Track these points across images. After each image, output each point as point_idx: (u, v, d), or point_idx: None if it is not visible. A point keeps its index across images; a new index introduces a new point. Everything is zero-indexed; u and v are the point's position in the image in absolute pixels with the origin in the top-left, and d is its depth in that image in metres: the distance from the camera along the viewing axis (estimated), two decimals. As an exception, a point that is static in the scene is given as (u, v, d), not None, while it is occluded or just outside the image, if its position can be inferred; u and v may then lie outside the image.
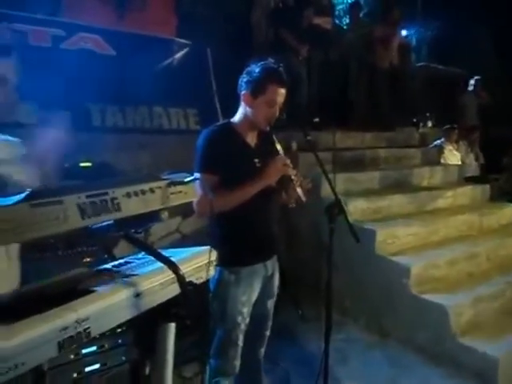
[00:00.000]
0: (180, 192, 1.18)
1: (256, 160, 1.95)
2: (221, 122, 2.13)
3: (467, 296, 3.14)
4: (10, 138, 1.62)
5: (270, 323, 2.18)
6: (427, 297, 3.08)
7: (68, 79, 3.29)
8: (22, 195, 0.80)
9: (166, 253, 1.46)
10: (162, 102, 3.84)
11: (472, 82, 6.95)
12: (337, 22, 5.61)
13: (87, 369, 1.77)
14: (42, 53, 3.36)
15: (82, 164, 3.22)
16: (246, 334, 2.09)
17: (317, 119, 4.47)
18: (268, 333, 2.19)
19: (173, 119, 3.92)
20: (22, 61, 3.26)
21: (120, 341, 1.86)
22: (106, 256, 1.81)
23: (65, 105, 3.38)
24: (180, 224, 3.49)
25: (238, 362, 2.00)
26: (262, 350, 2.20)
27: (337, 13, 6.35)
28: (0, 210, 0.75)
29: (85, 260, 1.69)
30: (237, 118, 2.02)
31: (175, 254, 1.52)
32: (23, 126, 3.20)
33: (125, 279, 1.26)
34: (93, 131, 3.49)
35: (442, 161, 5.66)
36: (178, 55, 4.11)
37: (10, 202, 0.78)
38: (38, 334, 0.93)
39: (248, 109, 1.96)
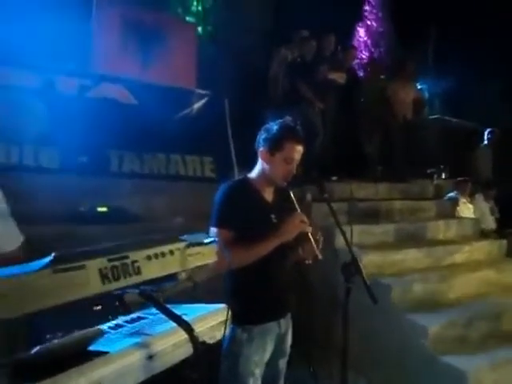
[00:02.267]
0: (198, 253, 1.18)
1: (272, 216, 1.95)
2: (238, 177, 2.15)
3: (487, 359, 2.99)
4: None
5: (281, 383, 2.10)
6: (445, 358, 2.94)
7: (90, 126, 3.41)
8: (47, 260, 0.81)
9: (179, 309, 1.44)
10: (180, 149, 3.93)
11: (486, 135, 6.99)
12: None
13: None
14: (68, 100, 3.50)
15: (99, 208, 3.27)
16: None
17: (335, 178, 4.50)
18: None
19: (189, 166, 3.99)
20: (48, 108, 3.41)
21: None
22: (116, 303, 1.78)
23: (85, 150, 3.49)
24: (192, 272, 3.46)
25: None
26: None
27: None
28: (24, 277, 0.75)
29: (95, 308, 1.67)
30: (254, 173, 2.05)
31: (189, 312, 1.50)
32: (44, 171, 3.30)
33: (137, 339, 1.24)
34: (110, 176, 3.56)
35: (457, 214, 5.59)
36: (197, 105, 4.24)
37: (34, 269, 0.78)
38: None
39: (265, 165, 1.99)
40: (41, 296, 0.75)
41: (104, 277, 0.88)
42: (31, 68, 3.46)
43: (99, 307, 1.69)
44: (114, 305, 1.75)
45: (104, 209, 3.31)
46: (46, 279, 0.77)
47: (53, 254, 0.81)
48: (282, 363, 2.07)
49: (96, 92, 3.63)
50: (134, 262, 0.96)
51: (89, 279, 0.84)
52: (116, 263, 0.91)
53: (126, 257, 0.95)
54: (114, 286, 0.93)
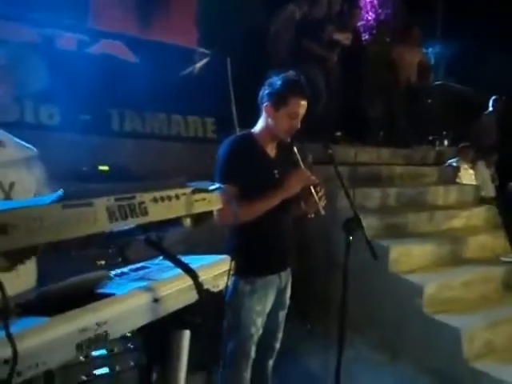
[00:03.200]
0: (204, 199, 1.18)
1: (275, 171, 1.96)
2: (241, 132, 2.14)
3: (481, 319, 3.08)
4: (17, 140, 1.62)
5: (280, 335, 2.17)
6: (440, 318, 3.03)
7: (90, 84, 3.36)
8: (55, 196, 0.81)
9: (184, 259, 1.46)
10: (181, 109, 3.88)
11: (491, 102, 6.90)
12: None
13: (96, 372, 1.77)
14: (67, 57, 3.42)
15: (100, 167, 3.26)
16: (257, 345, 2.08)
17: (339, 133, 4.47)
18: (278, 345, 2.17)
19: (190, 127, 3.96)
20: (48, 64, 3.35)
21: (130, 345, 1.87)
22: (119, 259, 1.82)
23: (86, 108, 3.44)
24: (193, 230, 3.49)
25: (248, 374, 1.99)
26: (271, 362, 2.18)
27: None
28: (34, 209, 0.76)
29: (98, 262, 1.70)
30: (257, 128, 2.03)
31: (193, 261, 1.52)
32: (44, 128, 3.27)
33: (143, 283, 1.26)
34: (112, 135, 3.54)
35: (458, 180, 5.60)
36: (198, 64, 4.16)
37: (44, 203, 0.79)
38: (59, 333, 0.93)
39: (270, 120, 1.97)
40: (50, 229, 0.76)
41: (111, 215, 0.89)
42: (31, 22, 3.37)
43: (102, 262, 1.73)
44: (116, 259, 1.78)
45: (105, 167, 3.30)
46: (55, 213, 0.78)
47: (61, 190, 0.81)
48: (282, 315, 2.13)
49: (95, 48, 3.55)
50: (140, 203, 0.97)
51: (96, 216, 0.85)
52: (123, 203, 0.92)
53: (133, 197, 0.95)
54: (120, 224, 0.94)
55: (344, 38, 4.89)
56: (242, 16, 5.01)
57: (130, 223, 0.97)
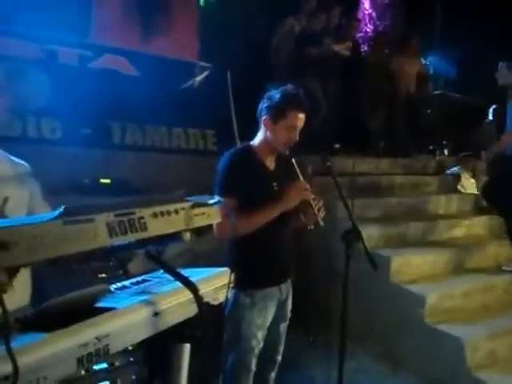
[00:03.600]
0: (203, 214, 1.20)
1: (274, 184, 1.97)
2: (241, 145, 2.17)
3: (484, 329, 3.06)
4: (10, 156, 1.66)
5: (281, 348, 2.16)
6: (442, 328, 3.02)
7: (92, 97, 3.40)
8: (56, 212, 0.83)
9: (184, 272, 1.48)
10: (182, 122, 3.92)
11: (491, 111, 6.93)
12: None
13: (97, 386, 1.77)
14: (70, 72, 3.47)
15: (102, 180, 3.29)
16: (258, 359, 2.07)
17: (337, 145, 4.50)
18: (279, 358, 2.17)
19: (191, 139, 3.99)
20: (50, 79, 3.39)
21: (131, 359, 1.87)
22: (120, 272, 1.83)
23: (87, 122, 3.49)
24: (193, 243, 3.50)
25: None
26: (273, 375, 2.18)
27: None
28: (35, 227, 0.78)
29: (100, 276, 1.71)
30: (256, 141, 2.05)
31: (193, 274, 1.54)
32: (46, 142, 3.31)
33: (144, 297, 1.28)
34: (113, 148, 3.58)
35: (460, 188, 5.60)
36: (199, 78, 4.21)
37: (45, 219, 0.80)
38: (59, 348, 0.94)
39: (268, 133, 1.99)
40: (51, 245, 0.78)
41: (111, 230, 0.90)
42: (33, 39, 3.43)
43: (104, 275, 1.74)
44: (117, 272, 1.79)
45: (107, 181, 3.33)
46: (56, 230, 0.79)
47: (63, 207, 0.83)
48: (283, 327, 2.13)
49: (97, 63, 3.61)
50: (140, 218, 0.99)
51: (97, 232, 0.87)
52: (123, 218, 0.94)
53: (133, 213, 0.97)
54: (120, 239, 0.95)
55: (342, 48, 4.95)
56: (243, 29, 5.09)
57: (130, 238, 0.98)
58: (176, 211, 1.09)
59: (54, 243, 0.78)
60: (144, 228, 1.00)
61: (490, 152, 4.31)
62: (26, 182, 1.65)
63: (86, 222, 0.84)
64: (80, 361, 1.03)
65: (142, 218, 0.99)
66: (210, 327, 1.50)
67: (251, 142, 2.07)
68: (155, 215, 1.02)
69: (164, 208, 1.06)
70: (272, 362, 2.15)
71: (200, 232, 1.49)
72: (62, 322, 1.04)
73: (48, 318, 1.05)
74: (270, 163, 2.06)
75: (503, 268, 3.93)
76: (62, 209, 0.82)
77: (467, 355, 2.83)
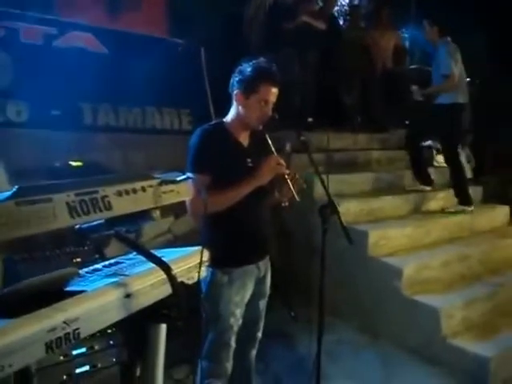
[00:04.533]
0: (172, 191, 1.16)
1: (248, 160, 1.94)
2: (214, 121, 2.12)
3: (459, 297, 3.15)
4: None
5: (261, 324, 2.17)
6: (419, 298, 3.09)
7: (60, 78, 3.27)
8: (9, 193, 0.78)
9: (157, 253, 1.45)
10: (155, 101, 3.81)
11: (464, 85, 6.98)
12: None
13: (77, 370, 1.75)
14: (34, 51, 3.31)
15: (73, 163, 3.19)
16: (238, 336, 2.08)
17: (310, 119, 4.48)
18: (260, 334, 2.18)
19: (165, 119, 3.90)
20: (13, 58, 3.24)
21: (110, 342, 1.85)
22: (96, 256, 1.78)
23: (55, 103, 3.35)
24: (172, 224, 3.47)
25: (229, 364, 1.99)
26: (254, 352, 2.19)
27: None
28: (-14, 208, 0.73)
29: (75, 260, 1.67)
30: (229, 117, 2.01)
31: (167, 254, 1.51)
32: (13, 125, 3.18)
33: (115, 279, 1.24)
34: (84, 130, 3.46)
35: (435, 163, 5.68)
36: (171, 54, 4.08)
37: (-4, 200, 0.76)
38: (25, 334, 0.91)
39: (240, 108, 1.95)
40: (3, 227, 0.74)
41: (72, 210, 0.86)
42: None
43: (79, 259, 1.69)
44: (93, 256, 1.74)
45: (79, 163, 3.22)
46: (9, 211, 0.75)
47: (16, 187, 0.78)
48: (262, 304, 2.14)
49: (63, 41, 3.45)
50: (103, 197, 0.95)
51: (55, 212, 0.83)
52: (84, 197, 0.90)
53: (95, 191, 0.93)
54: (83, 219, 0.91)
55: (319, 23, 4.86)
56: (216, 3, 4.93)
57: (94, 218, 0.94)
58: (143, 189, 1.06)
59: (7, 225, 0.74)
60: (109, 207, 0.96)
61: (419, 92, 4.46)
62: None
63: (43, 201, 0.79)
64: (49, 346, 1.00)
65: (106, 196, 0.96)
66: (190, 307, 1.49)
67: (224, 119, 2.03)
68: (120, 193, 0.98)
69: (130, 186, 1.02)
70: (253, 339, 2.16)
71: (178, 214, 1.46)
72: (28, 306, 1.01)
73: (13, 303, 1.01)
74: (244, 139, 2.02)
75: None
76: (14, 189, 0.78)
77: (442, 323, 2.92)
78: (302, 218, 3.32)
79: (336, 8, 6.16)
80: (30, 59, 3.26)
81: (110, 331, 1.78)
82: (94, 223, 1.11)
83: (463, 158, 6.31)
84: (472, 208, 4.17)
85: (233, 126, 1.99)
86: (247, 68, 1.92)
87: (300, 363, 2.83)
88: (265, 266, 2.09)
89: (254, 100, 1.91)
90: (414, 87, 4.47)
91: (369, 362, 2.98)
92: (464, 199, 4.15)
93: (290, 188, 1.83)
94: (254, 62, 1.93)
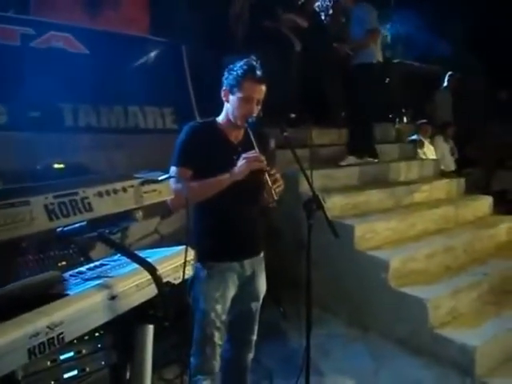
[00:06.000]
0: (154, 191, 1.15)
1: (235, 157, 1.94)
2: (206, 119, 2.13)
3: (445, 288, 3.19)
4: None
5: (256, 327, 2.16)
6: (406, 290, 3.12)
7: (39, 79, 3.21)
8: (-16, 196, 0.76)
9: (142, 253, 1.43)
10: (138, 101, 3.77)
11: (446, 78, 7.09)
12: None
13: (65, 375, 1.73)
14: (11, 52, 3.25)
15: (56, 165, 3.14)
16: (232, 338, 2.09)
17: (293, 115, 4.48)
18: (254, 337, 2.17)
19: (149, 118, 3.86)
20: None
21: (99, 345, 1.83)
22: (81, 259, 1.76)
23: (35, 105, 3.29)
24: (158, 225, 3.44)
25: (216, 362, 1.98)
26: (250, 355, 2.19)
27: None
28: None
29: (60, 264, 1.65)
30: (221, 115, 2.05)
31: (152, 255, 1.50)
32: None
33: (99, 281, 1.23)
34: (65, 131, 3.41)
35: (422, 155, 5.75)
36: (153, 53, 4.04)
37: (-29, 204, 0.74)
38: (6, 340, 0.89)
39: (228, 105, 1.97)
40: (-19, 232, 0.72)
41: (51, 213, 0.85)
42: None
43: (64, 262, 1.67)
44: (78, 260, 1.72)
45: (61, 165, 3.17)
46: (-15, 215, 0.73)
47: (-9, 190, 0.77)
48: (254, 306, 2.13)
49: (41, 41, 3.38)
50: (83, 198, 0.93)
51: (33, 216, 0.81)
52: (63, 199, 0.88)
53: (75, 193, 0.91)
54: (62, 222, 0.90)
55: (300, 20, 4.86)
56: (199, 1, 4.90)
57: (74, 220, 0.93)
58: (124, 189, 1.04)
59: (-17, 229, 0.72)
60: (89, 208, 0.94)
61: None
62: None
63: (19, 205, 0.78)
64: (32, 352, 0.98)
65: (86, 198, 0.94)
66: (177, 306, 1.48)
67: (218, 117, 2.05)
68: (100, 194, 0.97)
69: (110, 187, 1.01)
70: (247, 342, 2.16)
71: (164, 214, 1.44)
72: (11, 312, 0.99)
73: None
74: (236, 137, 2.04)
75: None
76: (-10, 192, 0.76)
77: (430, 314, 2.95)
78: (289, 214, 3.32)
79: (317, 3, 6.16)
80: (8, 61, 3.20)
81: (97, 334, 1.77)
82: (76, 225, 1.09)
83: (446, 151, 6.42)
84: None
85: (223, 124, 2.02)
86: (234, 66, 1.96)
87: (290, 358, 2.84)
88: (252, 265, 2.08)
89: (238, 97, 1.92)
90: None
91: (358, 354, 3.01)
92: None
93: (269, 187, 1.83)
94: (243, 60, 1.95)
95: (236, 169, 1.86)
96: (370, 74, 4.37)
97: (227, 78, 1.96)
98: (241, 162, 1.86)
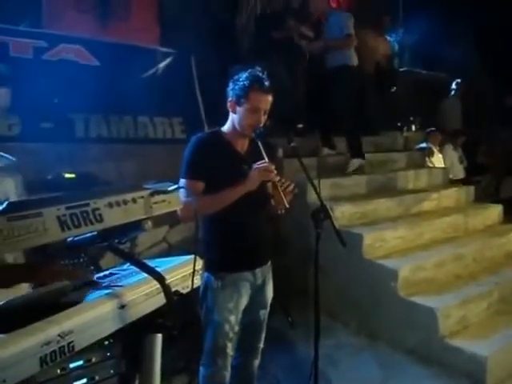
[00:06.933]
0: (163, 201, 1.17)
1: (245, 167, 1.95)
2: (211, 129, 2.15)
3: (455, 297, 3.16)
4: None
5: (263, 335, 2.16)
6: (415, 299, 3.10)
7: (51, 90, 3.28)
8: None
9: (151, 263, 1.45)
10: (147, 111, 3.83)
11: (454, 85, 7.07)
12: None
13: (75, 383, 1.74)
14: (24, 64, 3.33)
15: (66, 175, 3.19)
16: (240, 346, 2.09)
17: (300, 125, 4.50)
18: (261, 345, 2.17)
19: (158, 128, 3.91)
20: (3, 72, 3.24)
21: (108, 354, 1.84)
22: (92, 268, 1.78)
23: (47, 116, 3.36)
24: (167, 233, 3.47)
25: (227, 372, 1.98)
26: (257, 362, 2.19)
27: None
28: (-24, 224, 0.74)
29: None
30: (226, 125, 2.05)
31: (161, 264, 1.52)
32: (4, 139, 3.17)
33: (109, 291, 1.25)
34: (76, 142, 3.46)
35: (430, 164, 5.72)
36: (162, 64, 4.11)
37: (-13, 216, 0.77)
38: (18, 349, 0.91)
39: (234, 116, 1.99)
40: (-4, 243, 0.74)
41: (63, 224, 0.87)
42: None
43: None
44: (87, 267, 1.75)
45: (72, 175, 3.22)
46: (0, 227, 0.76)
47: (6, 202, 0.79)
48: (263, 315, 2.13)
49: (53, 53, 3.46)
50: (94, 209, 0.96)
51: (46, 227, 0.83)
52: (75, 211, 0.90)
53: (86, 204, 0.94)
54: (74, 233, 0.92)
55: (306, 30, 4.90)
56: (206, 13, 4.97)
57: (85, 231, 0.95)
58: (134, 200, 1.07)
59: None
60: (100, 219, 0.97)
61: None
62: (12, 175, 1.58)
63: (33, 216, 0.80)
64: (43, 360, 1.00)
65: (97, 209, 0.96)
66: (186, 315, 1.49)
67: (222, 127, 2.07)
68: (111, 205, 0.99)
69: (120, 197, 1.03)
70: (254, 349, 2.15)
71: (173, 224, 1.46)
72: (23, 321, 1.01)
73: (7, 317, 1.02)
74: (242, 147, 2.05)
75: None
76: (5, 204, 0.78)
77: (440, 323, 2.92)
78: (296, 223, 3.33)
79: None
80: (21, 73, 3.28)
81: (107, 342, 1.78)
82: (87, 236, 1.12)
83: (455, 159, 6.38)
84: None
85: (229, 134, 2.03)
86: (240, 77, 1.96)
87: (298, 367, 2.83)
88: (263, 274, 2.08)
89: (245, 107, 1.93)
90: None
91: (367, 364, 2.98)
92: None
93: (280, 195, 1.84)
94: (249, 71, 1.96)
95: (248, 180, 1.86)
96: (346, 76, 4.44)
97: (233, 89, 1.97)
98: (253, 172, 1.86)
